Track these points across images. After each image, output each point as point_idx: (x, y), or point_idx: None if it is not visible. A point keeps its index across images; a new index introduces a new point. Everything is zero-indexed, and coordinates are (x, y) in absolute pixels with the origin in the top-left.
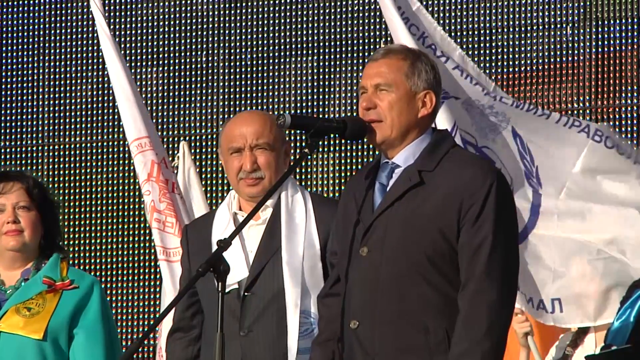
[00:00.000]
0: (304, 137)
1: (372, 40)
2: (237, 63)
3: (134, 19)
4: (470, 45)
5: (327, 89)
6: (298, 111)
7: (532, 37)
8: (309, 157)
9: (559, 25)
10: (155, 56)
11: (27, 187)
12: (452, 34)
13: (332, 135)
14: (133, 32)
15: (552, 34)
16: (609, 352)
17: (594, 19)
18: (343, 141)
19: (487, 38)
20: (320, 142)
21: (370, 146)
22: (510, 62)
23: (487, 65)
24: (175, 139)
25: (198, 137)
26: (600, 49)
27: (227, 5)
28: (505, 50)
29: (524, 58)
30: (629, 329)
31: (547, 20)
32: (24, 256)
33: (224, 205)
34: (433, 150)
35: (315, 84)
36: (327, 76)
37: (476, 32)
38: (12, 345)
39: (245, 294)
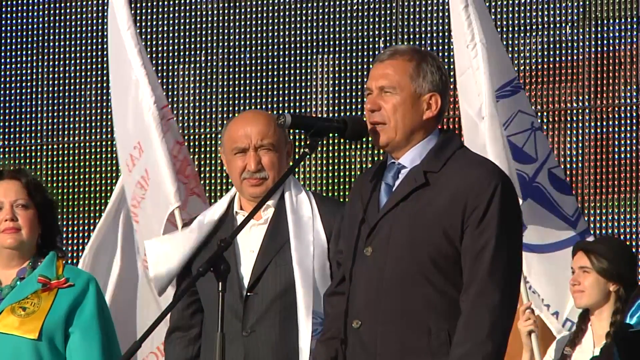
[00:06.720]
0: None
1: (375, 39)
2: (238, 62)
3: (136, 17)
4: None
5: (328, 89)
6: (297, 111)
7: (532, 37)
8: (309, 156)
9: (558, 25)
10: (155, 55)
11: (25, 185)
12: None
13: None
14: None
15: (552, 33)
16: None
17: (593, 19)
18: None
19: None
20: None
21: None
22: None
23: None
24: None
25: (198, 137)
26: (600, 49)
27: (227, 4)
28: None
29: (524, 58)
30: None
31: (547, 20)
32: (20, 254)
33: (220, 204)
34: (439, 151)
35: (316, 83)
36: (328, 76)
37: None
38: (8, 346)
39: (248, 294)
